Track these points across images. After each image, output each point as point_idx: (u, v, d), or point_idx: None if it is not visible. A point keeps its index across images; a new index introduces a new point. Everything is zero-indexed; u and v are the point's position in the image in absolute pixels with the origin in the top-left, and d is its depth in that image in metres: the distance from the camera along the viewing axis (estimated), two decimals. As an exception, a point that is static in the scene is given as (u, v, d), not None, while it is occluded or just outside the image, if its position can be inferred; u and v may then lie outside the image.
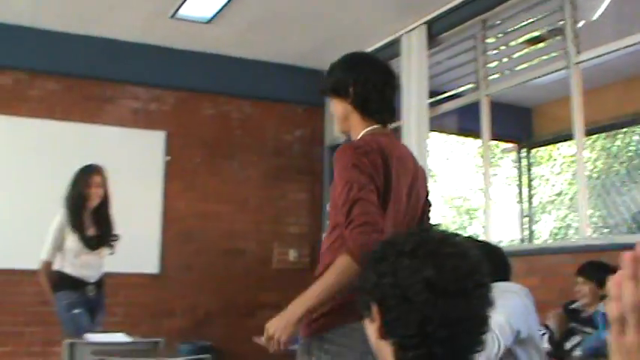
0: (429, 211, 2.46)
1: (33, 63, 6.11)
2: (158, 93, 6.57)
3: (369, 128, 2.34)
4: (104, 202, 4.70)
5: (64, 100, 6.25)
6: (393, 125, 5.31)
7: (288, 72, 6.94)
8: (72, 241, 4.51)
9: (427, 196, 2.46)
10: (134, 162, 6.35)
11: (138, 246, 6.22)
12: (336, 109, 2.41)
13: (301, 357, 2.23)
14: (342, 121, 2.40)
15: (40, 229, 5.93)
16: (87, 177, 4.65)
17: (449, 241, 1.30)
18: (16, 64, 6.07)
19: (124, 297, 6.24)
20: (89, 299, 4.59)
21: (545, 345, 3.53)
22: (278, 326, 2.08)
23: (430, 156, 5.78)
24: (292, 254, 6.84)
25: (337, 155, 2.20)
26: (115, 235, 4.74)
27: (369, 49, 6.01)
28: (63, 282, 4.47)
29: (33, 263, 5.86)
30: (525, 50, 5.43)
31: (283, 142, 7.02)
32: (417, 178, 2.37)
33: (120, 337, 3.97)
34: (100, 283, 4.67)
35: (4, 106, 6.04)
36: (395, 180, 2.22)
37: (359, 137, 2.32)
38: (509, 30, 5.40)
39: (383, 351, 1.29)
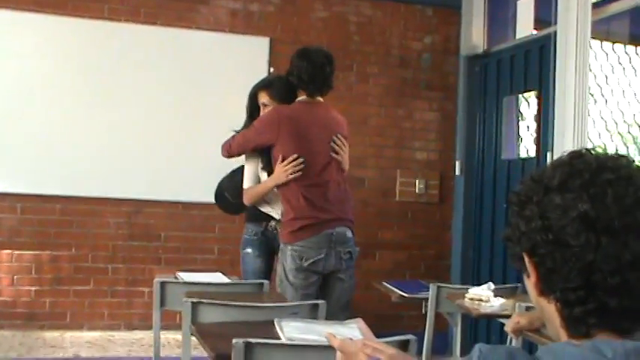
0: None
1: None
2: (261, -8, 6.37)
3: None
4: None
5: (149, 1, 6.14)
6: (546, 31, 5.00)
7: (416, -34, 6.61)
8: None
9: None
10: (231, 74, 6.20)
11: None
12: None
13: None
14: None
15: (124, 152, 5.99)
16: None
17: (607, 165, 1.21)
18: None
19: (220, 231, 6.20)
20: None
21: None
22: None
23: (591, 70, 5.38)
24: (419, 185, 6.60)
25: None
26: None
27: None
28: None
29: (118, 191, 5.96)
30: None
31: (410, 51, 6.68)
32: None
33: (217, 277, 3.87)
34: None
35: (81, 9, 5.96)
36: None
37: None
38: None
39: (546, 309, 1.24)
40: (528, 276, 1.25)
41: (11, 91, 5.80)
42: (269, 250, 4.40)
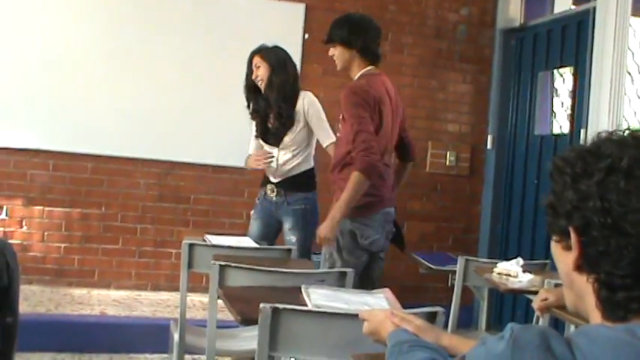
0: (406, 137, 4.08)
1: None
2: (297, -44, 6.28)
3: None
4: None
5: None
6: (585, 6, 4.90)
7: None
8: None
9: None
10: (266, 39, 6.07)
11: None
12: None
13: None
14: None
15: (157, 113, 5.97)
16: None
17: None
18: None
19: (250, 195, 6.17)
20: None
21: None
22: (326, 229, 3.64)
23: (630, 48, 5.27)
24: (449, 157, 6.52)
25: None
26: None
27: None
28: None
29: (148, 152, 5.95)
30: None
31: (445, 22, 6.56)
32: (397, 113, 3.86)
33: (246, 242, 3.85)
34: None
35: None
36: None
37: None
38: None
39: (579, 285, 1.21)
40: (566, 248, 1.22)
41: (47, 52, 5.79)
42: (267, 214, 4.53)
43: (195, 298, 5.43)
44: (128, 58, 5.91)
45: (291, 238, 4.44)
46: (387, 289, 2.61)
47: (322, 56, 6.20)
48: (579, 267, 1.20)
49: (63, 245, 5.91)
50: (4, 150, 5.76)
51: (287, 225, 4.46)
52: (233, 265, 2.89)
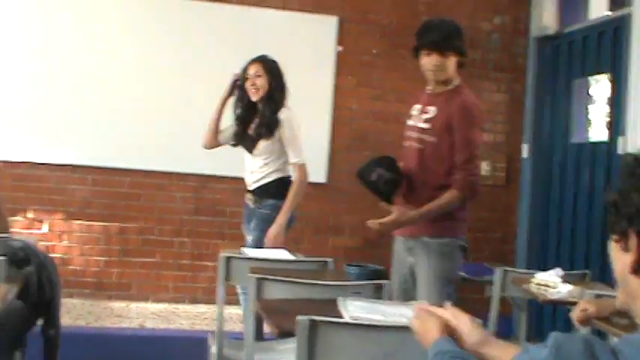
0: None
1: None
2: (331, -29, 6.30)
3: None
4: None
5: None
6: (621, 12, 4.85)
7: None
8: None
9: None
10: (300, 52, 6.17)
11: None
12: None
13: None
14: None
15: (193, 129, 6.01)
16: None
17: None
18: None
19: (286, 208, 6.20)
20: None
21: None
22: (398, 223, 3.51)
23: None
24: (484, 166, 6.47)
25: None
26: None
27: None
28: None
29: (184, 166, 6.00)
30: None
31: (479, 32, 6.53)
32: None
33: (282, 254, 3.86)
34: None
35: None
36: None
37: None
38: None
39: (633, 285, 1.20)
40: (624, 250, 1.21)
41: (85, 71, 5.88)
42: (248, 221, 4.64)
43: (232, 311, 5.44)
44: (164, 75, 5.98)
45: (248, 238, 4.56)
46: (423, 301, 2.61)
47: (355, 68, 6.28)
48: (636, 270, 1.19)
49: (102, 259, 5.98)
50: (46, 166, 5.85)
51: (251, 225, 4.55)
52: (270, 277, 2.90)
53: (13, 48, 5.82)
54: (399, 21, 6.35)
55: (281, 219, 4.35)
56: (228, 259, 3.52)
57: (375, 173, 3.60)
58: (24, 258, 3.14)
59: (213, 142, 4.79)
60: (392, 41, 6.34)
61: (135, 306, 5.85)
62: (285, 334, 2.38)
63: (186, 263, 6.06)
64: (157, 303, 5.97)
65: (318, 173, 6.20)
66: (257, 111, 4.55)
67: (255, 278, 2.87)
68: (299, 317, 2.10)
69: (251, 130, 4.54)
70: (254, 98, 4.52)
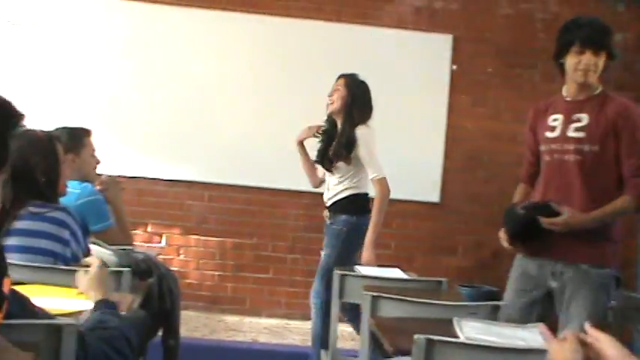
0: None
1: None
2: (445, -11, 6.30)
3: None
4: None
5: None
6: None
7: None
8: None
9: None
10: (413, 71, 6.18)
11: (416, 169, 6.11)
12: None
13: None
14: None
15: (292, 147, 6.10)
16: None
17: None
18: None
19: (398, 227, 6.19)
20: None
21: None
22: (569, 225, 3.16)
23: None
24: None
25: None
26: None
27: None
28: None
29: (297, 184, 6.08)
30: None
31: (599, 50, 6.38)
32: None
33: (395, 273, 3.86)
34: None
35: (266, 5, 6.14)
36: None
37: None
38: None
39: None
40: None
41: (201, 88, 6.06)
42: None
43: (344, 328, 5.46)
44: (277, 93, 6.08)
45: (322, 254, 4.60)
46: (541, 324, 2.55)
47: (470, 87, 6.23)
48: None
49: (217, 273, 6.12)
50: (164, 182, 6.05)
51: (324, 241, 4.57)
52: (385, 295, 2.91)
53: (135, 75, 6.06)
54: (515, 39, 6.28)
55: (370, 238, 4.32)
56: (342, 276, 3.55)
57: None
58: (146, 269, 3.26)
59: (317, 180, 4.86)
60: (507, 60, 6.27)
61: (248, 320, 5.95)
62: (400, 352, 2.38)
63: (299, 280, 6.13)
64: (270, 318, 6.05)
65: (431, 193, 6.19)
66: (337, 128, 4.56)
67: (371, 296, 2.88)
68: (416, 336, 2.11)
69: (331, 149, 4.54)
70: (328, 111, 4.57)
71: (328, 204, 4.61)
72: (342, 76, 4.60)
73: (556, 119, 3.36)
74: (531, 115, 3.54)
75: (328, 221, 4.62)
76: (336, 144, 4.49)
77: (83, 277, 2.33)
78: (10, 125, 1.51)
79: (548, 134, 3.37)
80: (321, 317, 4.40)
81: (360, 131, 4.41)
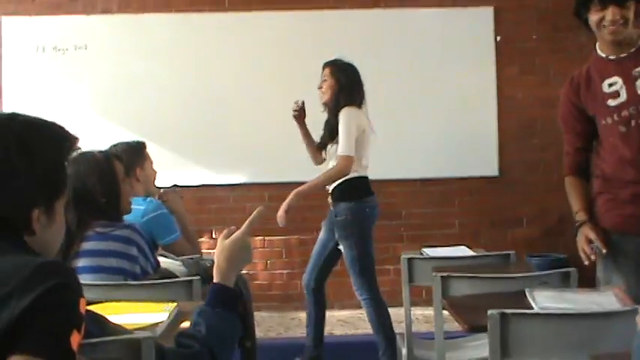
0: None
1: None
2: (481, -39, 6.22)
3: None
4: None
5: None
6: None
7: None
8: None
9: None
10: (459, 47, 6.14)
11: (471, 145, 6.09)
12: None
13: None
14: None
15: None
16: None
17: None
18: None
19: (460, 205, 6.17)
20: None
21: None
22: None
23: None
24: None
25: None
26: None
27: None
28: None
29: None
30: None
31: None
32: None
33: (462, 251, 3.84)
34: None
35: (305, 1, 6.17)
36: None
37: None
38: None
39: None
40: None
41: (245, 93, 6.10)
42: (329, 221, 4.72)
43: (416, 312, 5.46)
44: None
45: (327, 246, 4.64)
46: (616, 287, 2.52)
47: (517, 56, 6.16)
48: None
49: (285, 271, 6.17)
50: (224, 187, 6.13)
51: (336, 235, 4.52)
52: (454, 275, 2.90)
53: (189, 89, 6.14)
54: (556, 2, 6.16)
55: (297, 190, 4.38)
56: (410, 260, 3.55)
57: None
58: (215, 276, 3.30)
59: (320, 159, 4.78)
60: (551, 24, 6.17)
61: (321, 314, 5.97)
62: (475, 329, 2.38)
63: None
64: (343, 310, 6.08)
65: (489, 167, 6.15)
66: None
67: (440, 277, 2.88)
68: (490, 311, 2.10)
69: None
70: (322, 102, 4.53)
71: (330, 190, 4.55)
72: (326, 64, 4.55)
73: (613, 83, 2.93)
74: (568, 92, 3.15)
75: (331, 208, 4.58)
76: (323, 132, 4.54)
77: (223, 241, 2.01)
78: (65, 150, 1.55)
79: (612, 102, 2.93)
80: (375, 309, 4.40)
81: (343, 111, 4.35)
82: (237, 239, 1.96)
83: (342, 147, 4.28)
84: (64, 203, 1.55)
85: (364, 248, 4.40)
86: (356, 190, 4.46)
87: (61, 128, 1.56)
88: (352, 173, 4.38)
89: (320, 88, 4.51)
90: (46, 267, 1.33)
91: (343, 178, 4.37)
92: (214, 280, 1.90)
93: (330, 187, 4.51)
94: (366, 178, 4.52)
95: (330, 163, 4.48)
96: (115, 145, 3.73)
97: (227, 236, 1.95)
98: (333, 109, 4.42)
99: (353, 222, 4.42)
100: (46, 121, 1.55)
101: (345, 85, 4.43)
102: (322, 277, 4.68)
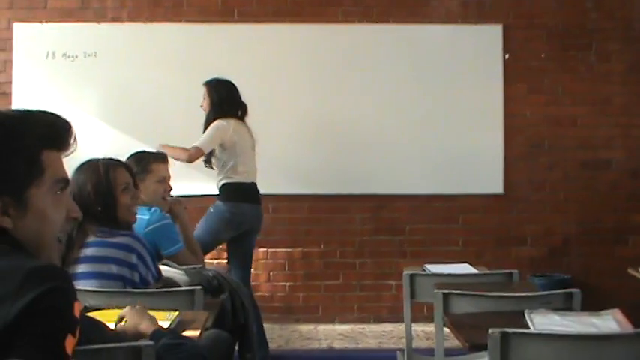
0: None
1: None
2: (492, -20, 6.23)
3: None
4: None
5: (382, 1, 6.19)
6: None
7: None
8: None
9: None
10: (466, 64, 6.14)
11: (477, 162, 6.08)
12: None
13: None
14: None
15: (366, 151, 6.11)
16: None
17: None
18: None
19: (464, 222, 6.16)
20: None
21: None
22: None
23: None
24: None
25: None
26: None
27: None
28: None
29: (362, 188, 6.10)
30: None
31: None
32: None
33: (465, 268, 3.84)
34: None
35: (316, 14, 6.15)
36: None
37: None
38: None
39: None
40: None
41: (253, 104, 6.07)
42: None
43: (417, 328, 5.45)
44: (332, 98, 6.10)
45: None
46: (616, 310, 2.52)
47: (525, 74, 6.15)
48: None
49: (287, 284, 6.16)
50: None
51: None
52: (456, 292, 2.90)
53: (198, 99, 6.01)
54: (565, 21, 6.18)
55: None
56: (412, 276, 3.54)
57: None
58: (217, 286, 3.30)
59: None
60: (560, 43, 6.17)
61: (322, 328, 5.98)
62: (475, 347, 2.37)
63: (370, 283, 6.14)
64: (344, 324, 6.07)
65: (495, 185, 6.14)
66: None
67: (442, 294, 2.87)
68: (491, 330, 2.09)
69: None
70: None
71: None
72: (204, 83, 5.01)
73: None
74: None
75: None
76: None
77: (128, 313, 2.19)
78: (46, 138, 1.54)
79: None
80: None
81: (212, 124, 4.85)
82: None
83: (199, 142, 4.80)
84: (54, 191, 1.52)
85: (211, 235, 4.83)
86: (227, 193, 4.96)
87: (46, 116, 1.56)
88: (228, 179, 4.95)
89: (201, 106, 5.00)
90: (40, 271, 1.33)
91: (221, 183, 4.95)
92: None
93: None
94: (242, 184, 4.97)
95: (217, 173, 5.00)
96: (133, 155, 3.78)
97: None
98: (206, 123, 4.91)
99: (210, 215, 4.95)
100: (26, 112, 1.54)
101: (217, 101, 4.92)
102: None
